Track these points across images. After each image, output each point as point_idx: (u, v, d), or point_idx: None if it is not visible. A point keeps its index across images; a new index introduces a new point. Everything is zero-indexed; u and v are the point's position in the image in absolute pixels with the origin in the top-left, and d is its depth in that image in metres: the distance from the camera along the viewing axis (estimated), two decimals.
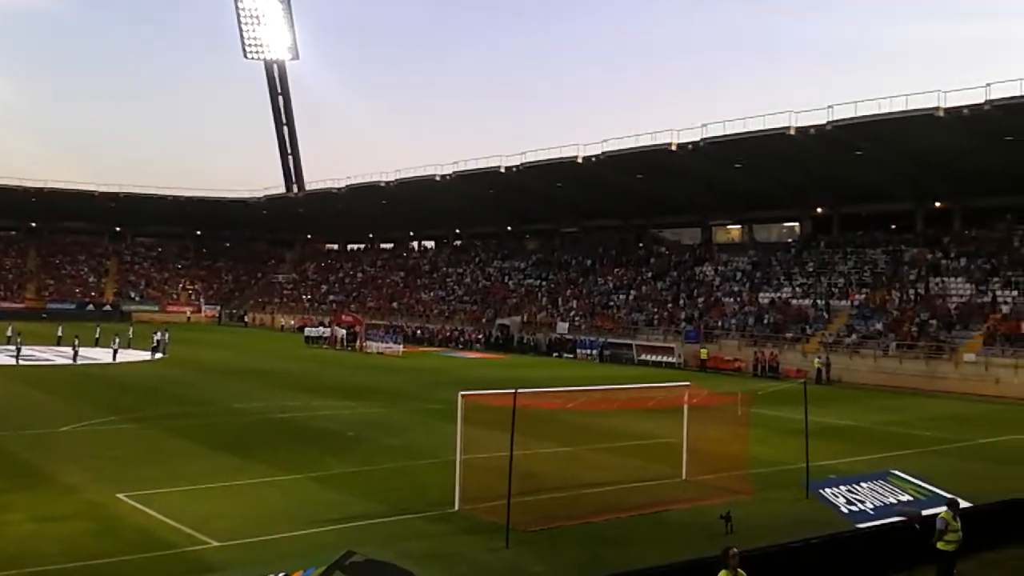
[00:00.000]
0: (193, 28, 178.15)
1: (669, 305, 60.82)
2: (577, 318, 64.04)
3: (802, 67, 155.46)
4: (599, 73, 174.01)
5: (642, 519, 16.30)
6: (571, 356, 58.26)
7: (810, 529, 14.39)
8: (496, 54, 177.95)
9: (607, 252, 73.14)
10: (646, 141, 58.35)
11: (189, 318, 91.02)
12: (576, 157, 62.64)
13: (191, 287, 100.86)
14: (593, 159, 61.67)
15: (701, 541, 14.13)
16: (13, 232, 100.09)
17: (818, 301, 53.67)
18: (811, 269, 57.86)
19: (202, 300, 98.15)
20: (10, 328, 51.04)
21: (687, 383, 21.89)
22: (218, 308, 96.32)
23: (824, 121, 49.51)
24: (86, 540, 13.99)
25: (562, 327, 63.09)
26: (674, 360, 53.33)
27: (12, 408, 28.13)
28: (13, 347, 44.79)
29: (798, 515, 16.56)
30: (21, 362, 42.69)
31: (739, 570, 9.84)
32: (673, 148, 56.68)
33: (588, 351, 57.80)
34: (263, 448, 22.20)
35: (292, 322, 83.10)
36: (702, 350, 52.69)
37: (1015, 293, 46.82)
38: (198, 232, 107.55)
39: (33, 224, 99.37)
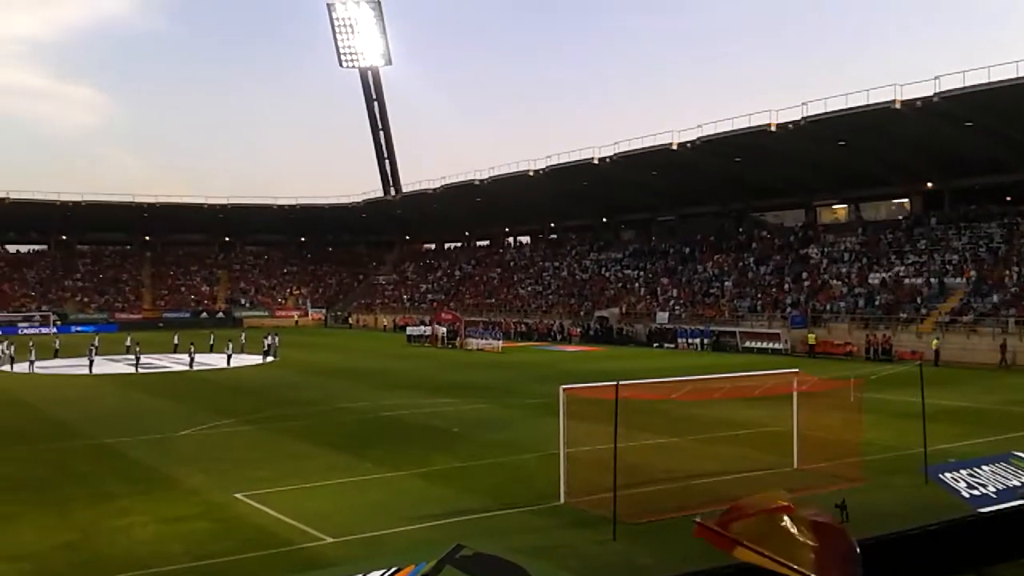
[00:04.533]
0: (289, 40, 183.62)
1: (773, 290, 59.38)
2: (677, 307, 63.18)
3: (905, 33, 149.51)
4: (686, 61, 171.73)
5: None
6: (672, 346, 57.52)
7: (930, 515, 13.81)
8: (583, 49, 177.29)
9: (706, 239, 71.87)
10: (743, 124, 57.09)
11: (297, 322, 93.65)
12: (671, 144, 61.75)
13: (297, 292, 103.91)
14: (689, 145, 60.68)
15: None
16: (128, 246, 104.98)
17: (931, 279, 51.52)
18: (923, 247, 55.57)
19: (308, 304, 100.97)
20: (129, 338, 53.63)
21: (795, 370, 21.26)
22: (324, 311, 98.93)
23: (930, 93, 47.45)
24: (208, 540, 14.50)
25: (662, 317, 62.34)
26: (781, 346, 52.06)
27: (133, 415, 29.25)
28: (133, 356, 46.88)
29: (916, 501, 15.94)
30: (140, 370, 44.51)
31: None
32: (772, 129, 55.18)
33: (689, 340, 56.96)
34: (371, 446, 22.62)
35: (395, 321, 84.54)
36: (810, 335, 51.21)
37: None
38: (302, 238, 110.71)
39: (147, 237, 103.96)
